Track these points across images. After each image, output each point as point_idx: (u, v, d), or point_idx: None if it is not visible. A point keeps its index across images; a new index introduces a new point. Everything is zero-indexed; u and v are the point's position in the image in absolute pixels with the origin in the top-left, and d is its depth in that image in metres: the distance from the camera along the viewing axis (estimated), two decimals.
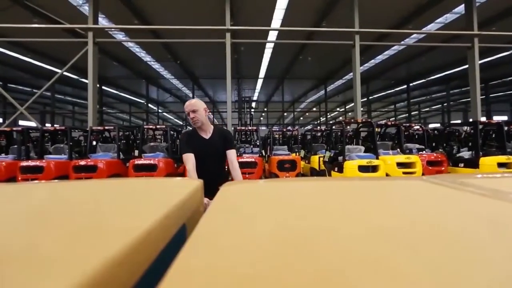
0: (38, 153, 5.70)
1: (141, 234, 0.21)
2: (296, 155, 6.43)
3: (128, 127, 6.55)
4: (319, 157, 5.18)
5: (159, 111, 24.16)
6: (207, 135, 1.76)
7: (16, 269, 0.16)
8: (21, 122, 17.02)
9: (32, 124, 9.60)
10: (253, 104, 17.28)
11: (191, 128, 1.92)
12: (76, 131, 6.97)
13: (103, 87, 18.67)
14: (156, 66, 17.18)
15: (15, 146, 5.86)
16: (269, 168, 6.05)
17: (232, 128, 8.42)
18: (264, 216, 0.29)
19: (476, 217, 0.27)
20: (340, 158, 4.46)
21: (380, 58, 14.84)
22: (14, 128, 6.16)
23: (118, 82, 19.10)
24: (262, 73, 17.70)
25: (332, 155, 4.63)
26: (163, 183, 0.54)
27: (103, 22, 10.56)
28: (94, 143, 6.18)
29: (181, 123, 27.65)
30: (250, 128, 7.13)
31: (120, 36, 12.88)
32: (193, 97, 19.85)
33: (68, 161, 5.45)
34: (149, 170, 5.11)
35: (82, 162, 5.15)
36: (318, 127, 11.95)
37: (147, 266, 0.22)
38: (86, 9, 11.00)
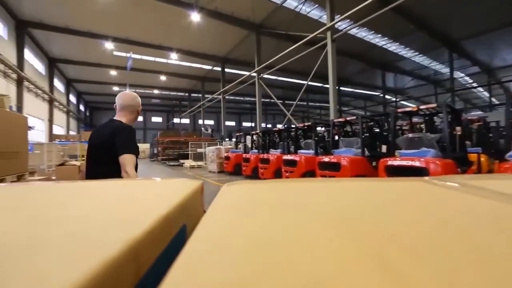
0: (294, 148, 6.17)
1: (141, 235, 0.21)
2: None
3: (373, 115, 5.06)
4: None
5: (397, 99, 20.22)
6: None
7: (15, 270, 0.16)
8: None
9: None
10: None
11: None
12: (320, 127, 6.90)
13: (340, 88, 19.38)
14: (393, 47, 14.18)
15: (281, 142, 6.96)
16: None
17: None
18: (265, 216, 0.28)
19: (478, 220, 0.25)
20: None
21: None
22: (280, 128, 7.40)
23: (353, 79, 18.76)
24: None
25: None
26: (163, 184, 0.51)
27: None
28: (336, 137, 5.50)
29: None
30: None
31: (354, 30, 12.14)
32: (451, 71, 13.74)
33: (315, 156, 5.18)
34: (416, 173, 3.13)
35: (326, 159, 4.53)
36: None
37: (148, 267, 0.21)
38: (325, 18, 11.67)
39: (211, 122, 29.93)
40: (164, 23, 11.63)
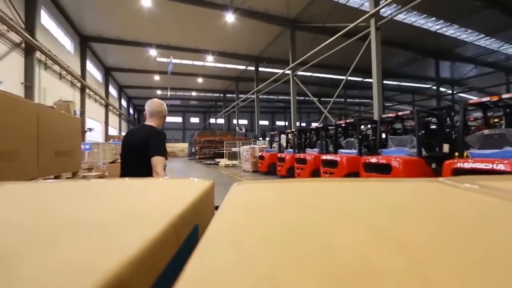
0: (334, 147, 5.71)
1: (156, 236, 0.21)
2: None
3: (433, 109, 4.28)
4: None
5: (454, 92, 17.54)
6: None
7: (29, 271, 0.15)
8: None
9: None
10: None
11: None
12: (365, 124, 6.25)
13: (383, 81, 17.61)
14: (450, 31, 12.26)
15: (318, 141, 6.52)
16: None
17: None
18: (277, 215, 0.28)
19: (494, 222, 0.25)
20: None
21: None
22: (317, 126, 6.96)
23: (398, 71, 16.88)
24: None
25: None
26: (174, 183, 0.51)
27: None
28: (384, 135, 4.88)
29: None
30: None
31: (401, 16, 10.82)
32: None
33: (359, 156, 4.68)
34: None
35: (373, 160, 4.02)
36: None
37: (163, 267, 0.21)
38: (366, 5, 10.66)
39: (245, 121, 30.32)
40: (200, 27, 12.07)
